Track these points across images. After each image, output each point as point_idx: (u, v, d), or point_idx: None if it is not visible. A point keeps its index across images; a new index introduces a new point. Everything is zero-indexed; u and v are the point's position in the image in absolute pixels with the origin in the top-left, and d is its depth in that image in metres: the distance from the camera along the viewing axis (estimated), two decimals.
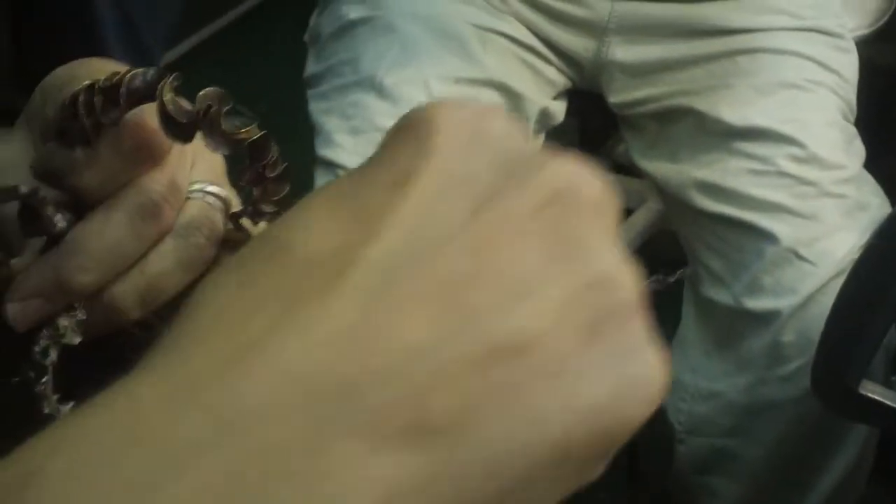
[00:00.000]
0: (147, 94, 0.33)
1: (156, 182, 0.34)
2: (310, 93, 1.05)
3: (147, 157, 0.34)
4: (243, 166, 0.35)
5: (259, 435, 0.19)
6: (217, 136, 0.33)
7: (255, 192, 0.35)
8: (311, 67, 1.07)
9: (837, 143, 0.99)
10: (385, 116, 0.97)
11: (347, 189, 0.22)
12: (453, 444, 0.19)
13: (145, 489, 0.18)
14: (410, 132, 0.22)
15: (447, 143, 0.22)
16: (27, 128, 0.37)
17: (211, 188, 0.36)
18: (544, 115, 1.06)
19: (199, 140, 0.34)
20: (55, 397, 0.34)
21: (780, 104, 0.99)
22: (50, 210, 0.34)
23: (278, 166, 0.35)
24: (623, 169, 1.78)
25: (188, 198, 0.36)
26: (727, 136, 0.99)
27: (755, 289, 0.96)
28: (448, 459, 0.19)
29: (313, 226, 0.21)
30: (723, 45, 1.03)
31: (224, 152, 0.34)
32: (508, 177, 0.22)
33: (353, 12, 1.04)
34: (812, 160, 0.97)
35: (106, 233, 0.34)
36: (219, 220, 0.36)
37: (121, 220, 0.34)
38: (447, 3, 1.02)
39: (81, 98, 0.33)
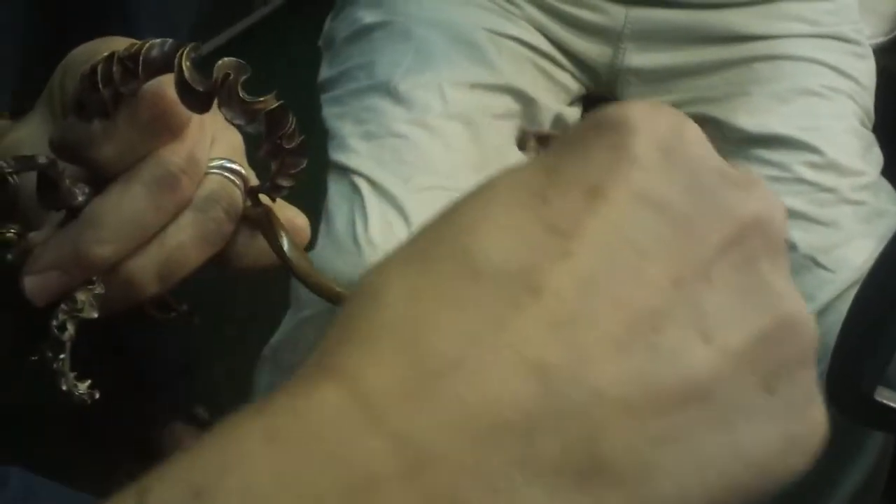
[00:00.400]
0: (165, 64, 0.33)
1: (174, 154, 0.34)
2: (323, 97, 1.05)
3: (165, 128, 0.34)
4: (260, 140, 0.35)
5: (445, 473, 0.18)
6: (234, 105, 0.33)
7: (273, 165, 0.35)
8: (325, 72, 1.07)
9: (855, 150, 0.98)
10: (399, 121, 0.97)
11: (537, 188, 0.21)
12: (623, 489, 0.19)
13: None
14: (606, 134, 0.22)
15: (645, 155, 0.21)
16: (47, 106, 0.37)
17: (230, 165, 0.36)
18: (559, 121, 1.06)
19: (219, 119, 0.34)
20: (72, 375, 0.34)
21: (798, 111, 0.98)
22: (68, 182, 0.34)
23: (296, 138, 0.34)
24: None
25: (207, 173, 0.36)
26: (745, 144, 0.98)
27: None
28: None
29: (502, 235, 0.21)
30: (740, 51, 1.02)
31: (241, 122, 0.33)
32: (701, 199, 0.21)
33: (369, 17, 1.04)
34: (830, 167, 0.96)
35: (124, 205, 0.33)
36: (237, 195, 0.36)
37: (139, 192, 0.34)
38: (462, 9, 1.02)
39: (100, 68, 0.33)
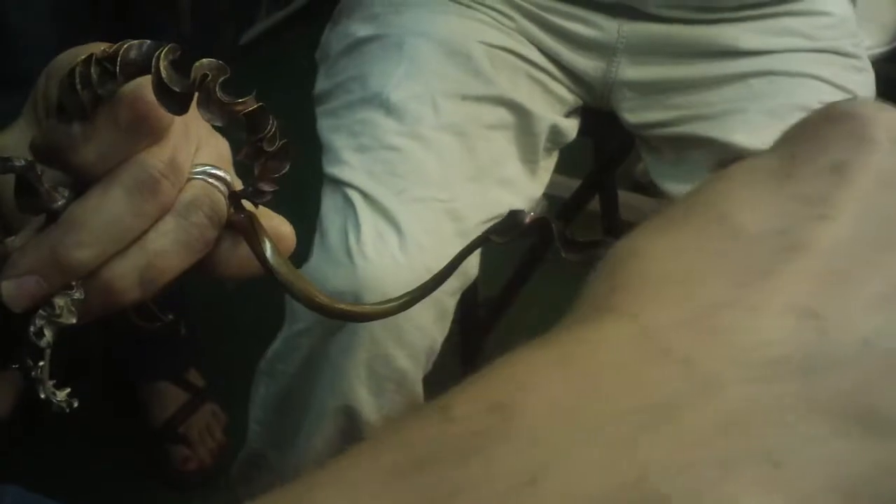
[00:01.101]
0: (143, 65, 0.32)
1: (155, 157, 0.34)
2: (318, 110, 1.05)
3: (145, 131, 0.33)
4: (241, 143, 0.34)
5: (734, 399, 0.19)
6: (213, 106, 0.32)
7: (255, 169, 0.34)
8: (321, 84, 1.06)
9: None
10: (392, 133, 0.96)
11: (779, 169, 0.23)
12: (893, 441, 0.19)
13: (626, 438, 0.18)
14: (842, 123, 0.24)
15: (882, 140, 0.23)
16: (32, 112, 0.37)
17: (215, 171, 0.36)
18: (555, 132, 1.05)
19: (205, 126, 0.34)
20: (51, 383, 0.34)
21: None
22: (48, 186, 0.33)
23: (276, 141, 0.34)
24: (641, 188, 1.77)
25: (191, 178, 0.35)
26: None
27: None
28: None
29: (755, 203, 0.22)
30: (735, 67, 1.01)
31: (219, 123, 0.33)
32: None
33: (363, 30, 1.04)
34: None
35: (103, 208, 0.33)
36: (221, 201, 0.35)
37: (118, 195, 0.33)
38: (455, 21, 1.02)
39: (78, 70, 0.33)
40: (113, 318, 0.35)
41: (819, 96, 0.99)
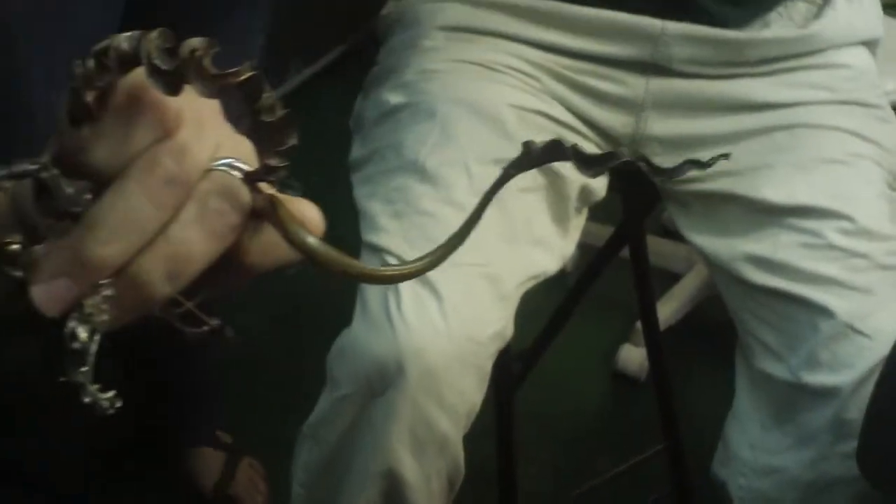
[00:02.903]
0: (136, 54, 0.32)
1: (165, 147, 0.34)
2: (354, 177, 1.07)
3: (150, 120, 0.34)
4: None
5: None
6: (204, 79, 0.32)
7: (255, 144, 0.34)
8: (356, 152, 1.09)
9: (885, 215, 0.98)
10: (427, 199, 0.98)
11: None
12: None
13: None
14: None
15: None
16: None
17: (235, 163, 0.35)
18: (585, 192, 1.06)
19: (227, 128, 0.33)
20: (95, 387, 0.33)
21: (823, 180, 0.98)
22: (65, 187, 0.33)
23: (276, 111, 0.33)
24: (669, 233, 1.78)
25: (209, 170, 0.35)
26: (775, 214, 0.99)
27: (813, 364, 0.94)
28: None
29: None
30: (760, 120, 1.03)
31: (214, 96, 0.33)
32: None
33: (394, 98, 1.06)
34: (862, 233, 0.96)
35: (119, 203, 0.33)
36: (240, 186, 0.35)
37: (132, 188, 0.33)
38: (485, 86, 1.04)
39: (78, 71, 0.33)
40: (158, 326, 0.35)
41: (845, 147, 1.01)
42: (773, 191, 0.99)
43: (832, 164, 0.99)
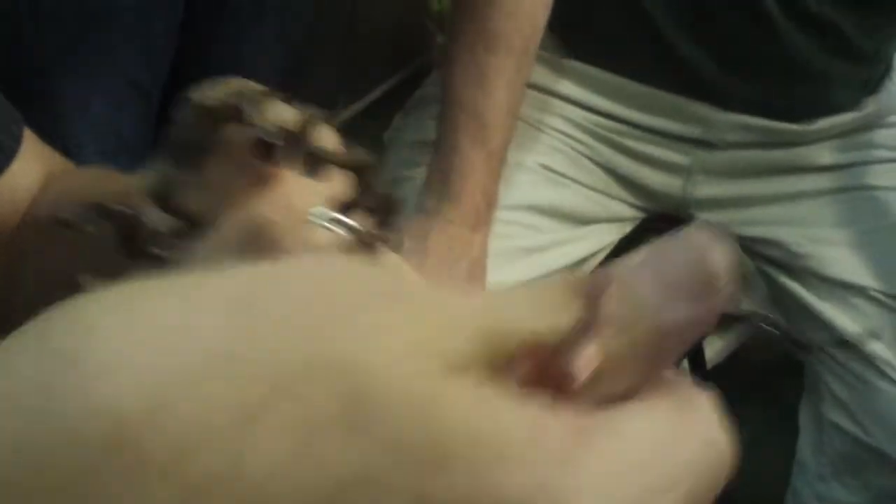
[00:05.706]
0: (241, 114, 0.32)
1: (266, 202, 0.33)
2: None
3: (253, 177, 0.33)
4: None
5: None
6: (314, 160, 0.32)
7: (366, 223, 0.33)
8: (391, 171, 1.06)
9: None
10: None
11: None
12: None
13: None
14: None
15: None
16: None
17: (344, 219, 0.34)
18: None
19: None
20: None
21: (883, 245, 0.98)
22: (153, 229, 0.32)
23: (383, 197, 0.33)
24: None
25: (313, 222, 0.33)
26: (838, 287, 0.98)
27: (883, 425, 0.95)
28: None
29: None
30: (816, 183, 1.01)
31: (321, 178, 0.32)
32: None
33: (432, 132, 1.03)
34: None
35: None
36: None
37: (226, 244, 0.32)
38: (520, 143, 1.01)
39: (185, 118, 0.33)
40: None
41: None
42: (840, 267, 0.98)
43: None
